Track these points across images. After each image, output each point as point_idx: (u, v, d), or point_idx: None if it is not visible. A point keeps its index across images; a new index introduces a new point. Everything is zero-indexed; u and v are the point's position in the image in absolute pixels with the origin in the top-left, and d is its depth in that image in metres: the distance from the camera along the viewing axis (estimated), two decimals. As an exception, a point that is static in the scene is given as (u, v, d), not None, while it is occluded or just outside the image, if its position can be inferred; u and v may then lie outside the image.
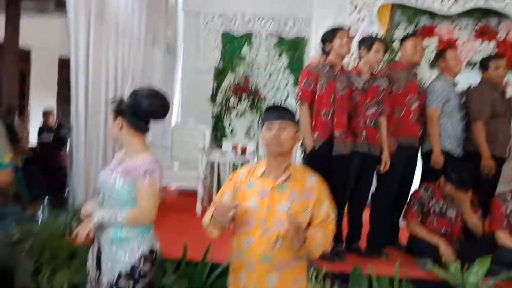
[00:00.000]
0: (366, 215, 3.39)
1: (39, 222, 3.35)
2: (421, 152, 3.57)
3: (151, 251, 1.93)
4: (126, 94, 2.02)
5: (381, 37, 3.75)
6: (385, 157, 3.24)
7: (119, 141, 2.01)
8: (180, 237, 3.30)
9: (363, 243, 3.35)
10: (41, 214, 4.08)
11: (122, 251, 1.86)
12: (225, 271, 2.69)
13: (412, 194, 3.37)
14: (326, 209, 1.74)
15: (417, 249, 3.13)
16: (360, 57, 3.32)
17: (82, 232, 1.84)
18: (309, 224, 1.74)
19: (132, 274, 1.86)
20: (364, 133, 3.18)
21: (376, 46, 3.18)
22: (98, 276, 1.93)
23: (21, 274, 2.99)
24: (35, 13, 4.77)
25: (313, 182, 1.76)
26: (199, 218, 4.16)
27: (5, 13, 4.23)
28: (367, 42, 3.23)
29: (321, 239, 1.68)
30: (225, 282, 2.61)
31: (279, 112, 1.76)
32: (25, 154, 5.21)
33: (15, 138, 4.32)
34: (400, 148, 3.32)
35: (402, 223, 3.53)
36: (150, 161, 1.89)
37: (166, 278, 2.70)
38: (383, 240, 3.38)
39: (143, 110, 1.88)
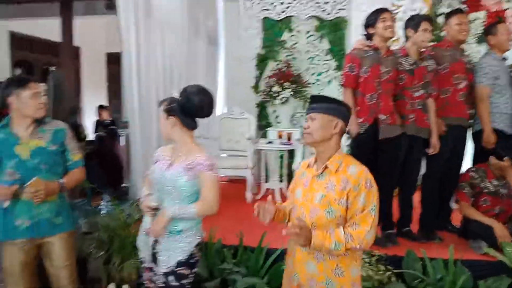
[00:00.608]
0: (417, 199, 3.40)
1: (103, 214, 3.60)
2: (472, 132, 3.51)
3: (201, 241, 2.11)
4: (174, 90, 2.11)
5: (426, 13, 3.66)
6: (434, 141, 3.21)
7: (171, 139, 2.08)
8: (235, 224, 3.47)
9: (415, 227, 3.36)
10: (104, 206, 4.39)
11: (181, 242, 2.01)
12: (281, 256, 2.84)
13: (462, 176, 3.34)
14: (363, 201, 1.69)
15: (471, 231, 3.11)
16: (406, 38, 3.27)
17: (158, 227, 1.96)
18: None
19: (189, 262, 2.02)
20: (412, 115, 3.17)
21: (424, 25, 3.12)
22: (151, 267, 2.07)
23: (93, 264, 3.28)
24: (84, 14, 5.03)
25: (354, 171, 1.73)
26: (250, 205, 4.35)
27: (61, 16, 4.49)
28: (414, 22, 3.17)
29: (336, 239, 1.66)
30: (281, 267, 2.78)
31: (312, 103, 1.84)
32: (85, 150, 5.55)
33: (80, 136, 4.60)
34: (448, 129, 3.28)
35: (453, 205, 3.51)
36: (210, 156, 2.04)
37: (225, 264, 2.86)
38: (435, 223, 3.38)
39: (194, 108, 2.00)
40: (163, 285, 2.01)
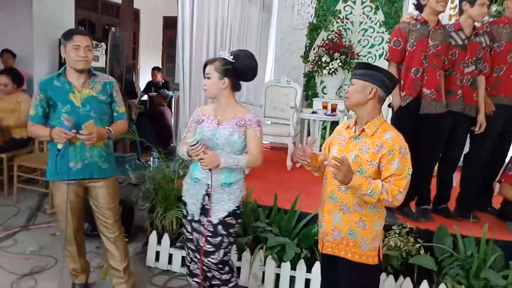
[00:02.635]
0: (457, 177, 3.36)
1: (151, 168, 3.86)
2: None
3: (244, 194, 2.29)
4: (224, 54, 2.17)
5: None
6: (481, 119, 3.13)
7: (215, 98, 2.18)
8: (272, 187, 3.60)
9: (452, 205, 3.33)
10: (152, 161, 4.68)
11: (232, 193, 2.18)
12: (312, 220, 2.95)
13: (511, 158, 3.24)
14: (397, 165, 1.80)
15: (510, 213, 3.05)
16: (460, 11, 3.15)
17: (211, 163, 2.03)
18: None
19: (236, 212, 2.21)
20: (460, 91, 3.09)
21: None
22: (199, 219, 2.23)
23: (139, 213, 3.56)
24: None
25: (389, 137, 1.84)
26: (289, 172, 4.48)
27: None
28: None
29: (374, 186, 1.78)
30: (311, 230, 2.89)
31: (355, 69, 1.96)
32: (138, 108, 5.85)
33: (134, 93, 4.86)
34: (498, 108, 3.17)
35: (496, 186, 3.42)
36: (256, 114, 2.20)
37: (259, 222, 3.02)
38: (473, 204, 3.32)
39: (246, 72, 2.15)
40: (210, 234, 2.17)
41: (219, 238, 2.18)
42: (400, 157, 1.81)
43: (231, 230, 2.21)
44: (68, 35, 2.29)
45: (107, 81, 2.44)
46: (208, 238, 2.18)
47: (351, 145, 1.93)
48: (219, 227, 2.18)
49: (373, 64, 2.02)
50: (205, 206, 2.19)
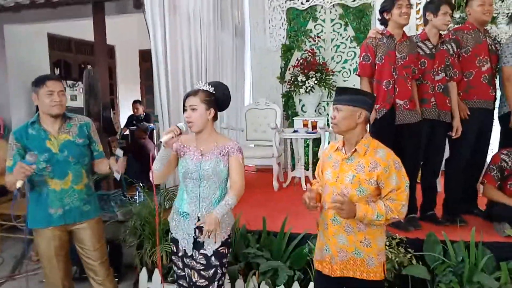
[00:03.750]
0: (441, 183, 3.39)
1: (137, 203, 3.81)
2: (498, 115, 3.44)
3: (233, 222, 2.29)
4: (199, 82, 2.22)
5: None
6: (456, 123, 3.19)
7: (201, 129, 2.15)
8: (260, 211, 3.58)
9: (439, 211, 3.36)
10: (138, 196, 4.61)
11: (223, 222, 2.14)
12: (302, 240, 2.94)
13: (491, 159, 3.29)
14: (395, 180, 1.87)
15: (495, 214, 3.09)
16: (426, 21, 3.24)
17: (214, 224, 2.01)
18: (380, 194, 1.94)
19: (227, 241, 2.22)
20: (433, 99, 3.16)
21: (444, 9, 3.09)
22: (191, 254, 2.19)
23: (127, 250, 3.49)
24: (116, 14, 5.22)
25: (382, 155, 1.91)
26: (276, 193, 4.48)
27: (93, 17, 4.70)
28: (433, 5, 3.14)
29: (378, 210, 1.86)
30: (302, 250, 2.88)
31: (337, 95, 2.00)
32: (120, 143, 5.81)
33: (113, 131, 4.83)
34: (472, 112, 3.24)
35: (480, 188, 3.47)
36: (235, 141, 2.24)
37: (249, 248, 2.98)
38: (459, 207, 3.36)
39: (224, 102, 2.21)
40: (203, 267, 2.15)
41: (212, 270, 2.16)
42: (396, 172, 1.88)
43: (224, 260, 2.20)
44: (40, 82, 2.27)
45: (83, 122, 2.43)
46: (201, 272, 2.16)
47: (345, 167, 1.97)
48: (213, 258, 2.16)
49: (352, 87, 2.08)
50: (197, 240, 2.17)
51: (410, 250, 2.79)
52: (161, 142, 2.05)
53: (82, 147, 2.39)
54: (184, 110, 2.15)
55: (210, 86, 2.17)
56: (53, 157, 2.28)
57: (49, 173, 2.25)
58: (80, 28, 6.10)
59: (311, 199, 1.99)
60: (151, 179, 2.14)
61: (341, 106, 1.94)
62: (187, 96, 2.16)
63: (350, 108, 1.92)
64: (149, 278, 3.11)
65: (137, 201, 4.20)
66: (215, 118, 2.19)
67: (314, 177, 2.27)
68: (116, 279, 3.17)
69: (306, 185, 4.46)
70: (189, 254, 2.20)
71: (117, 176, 2.34)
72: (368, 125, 2.06)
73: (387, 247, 2.77)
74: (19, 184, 2.10)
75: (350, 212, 1.84)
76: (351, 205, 1.84)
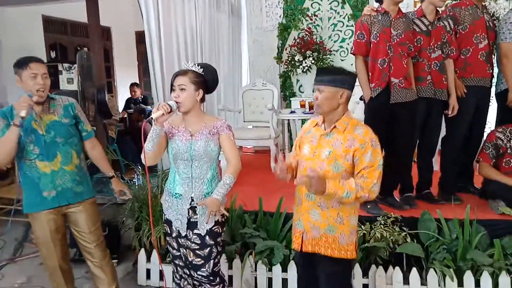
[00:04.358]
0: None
1: (136, 186, 3.83)
2: (495, 92, 3.42)
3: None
4: (191, 66, 2.16)
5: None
6: (453, 101, 3.17)
7: (189, 110, 2.14)
8: (256, 191, 3.59)
9: (435, 190, 3.37)
10: (137, 179, 4.62)
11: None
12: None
13: (487, 136, 3.28)
14: (370, 157, 1.86)
15: (490, 192, 3.10)
16: None
17: (215, 206, 2.06)
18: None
19: (222, 220, 2.23)
20: (429, 77, 3.12)
21: None
22: (185, 234, 2.21)
23: (126, 230, 3.53)
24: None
25: (360, 132, 1.90)
26: (273, 174, 4.46)
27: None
28: None
29: (348, 188, 1.83)
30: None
31: (319, 75, 1.97)
32: (117, 126, 5.80)
33: (108, 113, 4.80)
34: (469, 90, 3.22)
35: (476, 166, 3.47)
36: (224, 119, 2.24)
37: (246, 228, 3.01)
38: (455, 185, 3.37)
39: (212, 84, 2.20)
40: (197, 247, 2.18)
41: (207, 249, 2.18)
42: (372, 149, 1.88)
43: (218, 239, 2.22)
44: (22, 63, 2.20)
45: (67, 103, 2.39)
46: (197, 251, 2.18)
47: (323, 142, 1.97)
48: (207, 237, 2.18)
49: (334, 66, 2.04)
50: (191, 220, 2.19)
51: (404, 228, 2.82)
52: (152, 118, 2.03)
53: (69, 127, 2.36)
54: (172, 90, 2.12)
55: (199, 67, 2.15)
56: (39, 139, 2.25)
57: (37, 155, 2.23)
58: (76, 10, 6.01)
59: (282, 171, 1.96)
60: (142, 160, 2.11)
61: (323, 86, 1.91)
62: (176, 75, 2.13)
63: (332, 88, 1.90)
64: (148, 259, 3.15)
65: (136, 184, 4.23)
66: (202, 99, 2.18)
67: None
68: (116, 261, 3.23)
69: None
70: (183, 235, 2.22)
71: (119, 199, 2.29)
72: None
73: (382, 226, 2.80)
74: (23, 113, 2.08)
75: (320, 187, 1.80)
76: (321, 181, 1.81)
